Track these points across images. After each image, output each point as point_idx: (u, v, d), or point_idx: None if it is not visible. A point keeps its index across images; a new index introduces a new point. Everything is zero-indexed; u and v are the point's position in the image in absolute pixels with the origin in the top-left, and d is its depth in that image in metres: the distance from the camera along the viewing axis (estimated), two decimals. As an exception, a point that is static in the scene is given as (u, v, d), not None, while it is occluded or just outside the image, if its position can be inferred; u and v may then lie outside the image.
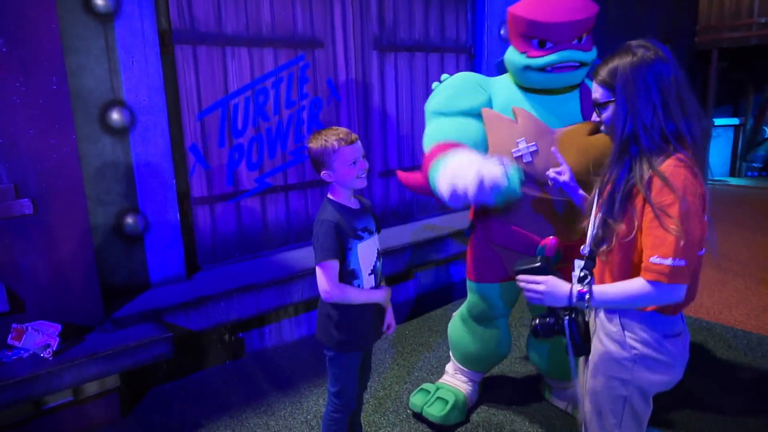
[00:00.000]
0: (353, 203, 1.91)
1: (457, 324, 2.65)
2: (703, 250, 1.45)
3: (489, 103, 2.28)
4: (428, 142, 2.23)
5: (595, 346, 1.59)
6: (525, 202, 2.18)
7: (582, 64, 2.11)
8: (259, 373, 3.08)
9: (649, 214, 1.37)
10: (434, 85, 2.41)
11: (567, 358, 2.39)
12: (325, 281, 1.80)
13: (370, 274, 1.91)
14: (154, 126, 2.92)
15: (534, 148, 2.10)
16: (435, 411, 2.47)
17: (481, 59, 4.60)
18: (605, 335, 1.55)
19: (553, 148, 1.98)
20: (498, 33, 4.55)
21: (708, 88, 8.29)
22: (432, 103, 2.34)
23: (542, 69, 2.10)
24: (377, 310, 1.96)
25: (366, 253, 1.88)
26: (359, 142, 1.84)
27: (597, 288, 1.47)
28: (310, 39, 3.68)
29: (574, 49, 2.07)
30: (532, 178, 2.12)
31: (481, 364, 2.61)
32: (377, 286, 1.95)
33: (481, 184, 1.82)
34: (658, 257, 1.34)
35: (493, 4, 4.46)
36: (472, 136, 2.21)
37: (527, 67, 2.14)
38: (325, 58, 3.77)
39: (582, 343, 1.60)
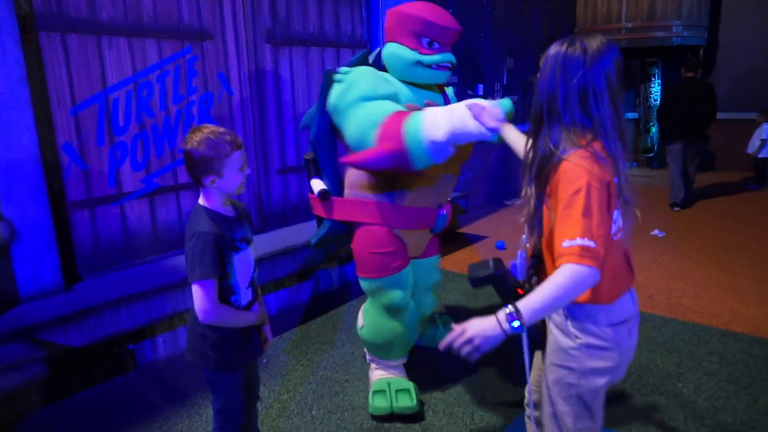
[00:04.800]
0: (228, 210, 1.75)
1: (380, 323, 2.57)
2: (620, 234, 1.46)
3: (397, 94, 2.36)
4: (379, 115, 2.14)
5: (547, 336, 1.60)
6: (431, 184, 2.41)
7: (453, 66, 2.40)
8: (153, 386, 2.87)
9: (561, 203, 1.39)
10: (337, 77, 2.34)
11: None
12: (204, 301, 1.64)
13: (248, 288, 1.80)
14: (18, 122, 2.62)
15: None
16: (407, 402, 2.45)
17: (377, 55, 4.64)
18: (553, 325, 1.57)
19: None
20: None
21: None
22: (357, 91, 2.25)
23: (429, 66, 2.33)
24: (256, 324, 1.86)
25: (243, 265, 1.76)
26: None
27: (522, 303, 1.35)
28: (198, 31, 3.49)
29: (450, 52, 2.37)
30: None
31: (408, 346, 2.65)
32: (255, 299, 1.85)
33: (481, 112, 1.95)
34: (567, 240, 1.35)
35: (387, 1, 4.50)
36: None
37: (418, 63, 2.33)
38: (215, 51, 3.60)
39: (539, 338, 1.63)
